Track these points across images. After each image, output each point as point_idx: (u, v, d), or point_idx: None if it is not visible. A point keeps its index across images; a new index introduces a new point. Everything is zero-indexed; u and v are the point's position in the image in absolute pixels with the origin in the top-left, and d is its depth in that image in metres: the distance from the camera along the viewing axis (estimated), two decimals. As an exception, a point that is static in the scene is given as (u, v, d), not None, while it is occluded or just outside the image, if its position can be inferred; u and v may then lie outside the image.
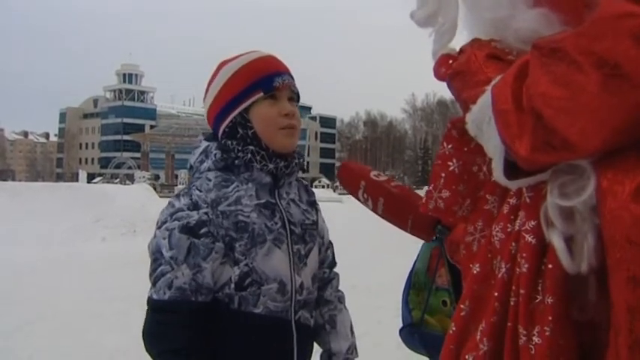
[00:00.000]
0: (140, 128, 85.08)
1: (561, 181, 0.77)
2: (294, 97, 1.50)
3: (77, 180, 41.36)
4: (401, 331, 1.73)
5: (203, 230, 1.33)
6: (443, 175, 1.00)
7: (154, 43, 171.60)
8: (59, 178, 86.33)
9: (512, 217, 0.86)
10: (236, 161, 1.42)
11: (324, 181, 75.27)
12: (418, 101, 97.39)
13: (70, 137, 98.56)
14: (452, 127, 0.99)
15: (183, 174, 42.83)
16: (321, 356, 1.60)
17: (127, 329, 4.78)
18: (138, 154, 77.19)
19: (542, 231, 0.79)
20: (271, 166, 1.42)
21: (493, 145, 0.82)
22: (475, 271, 0.90)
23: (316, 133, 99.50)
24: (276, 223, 1.42)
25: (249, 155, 1.41)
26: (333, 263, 1.69)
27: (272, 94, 1.44)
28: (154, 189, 20.73)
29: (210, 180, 1.39)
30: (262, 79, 1.44)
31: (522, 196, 0.84)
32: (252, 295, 1.37)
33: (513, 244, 0.83)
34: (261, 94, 1.43)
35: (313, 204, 1.60)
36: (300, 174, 1.57)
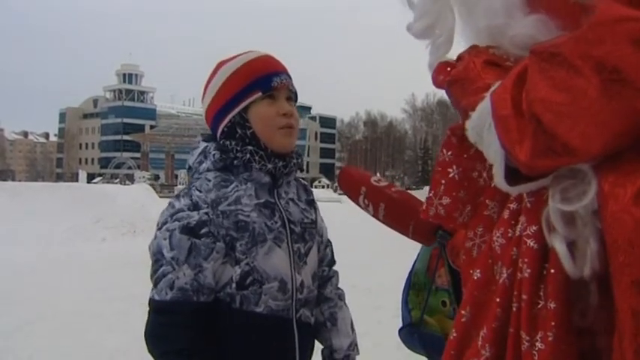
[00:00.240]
0: (140, 128, 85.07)
1: (563, 186, 0.77)
2: (292, 96, 1.51)
3: (77, 180, 41.40)
4: (400, 331, 1.73)
5: (204, 230, 1.33)
6: (443, 182, 1.01)
7: (153, 43, 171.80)
8: (59, 178, 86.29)
9: (512, 222, 0.86)
10: (235, 161, 1.42)
11: (324, 181, 75.24)
12: (418, 101, 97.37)
13: (70, 137, 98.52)
14: (451, 134, 1.00)
15: (183, 174, 42.78)
16: (322, 352, 1.61)
17: (127, 329, 4.78)
18: (138, 154, 77.28)
19: (543, 236, 0.79)
20: (270, 166, 1.43)
21: (493, 151, 0.82)
22: (476, 277, 0.90)
23: (316, 133, 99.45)
24: (276, 222, 1.42)
25: (248, 155, 1.41)
26: (333, 261, 1.69)
27: (270, 93, 1.44)
28: (154, 189, 20.69)
29: (209, 180, 1.39)
30: (260, 79, 1.44)
31: (523, 201, 0.84)
32: (253, 294, 1.37)
33: (514, 249, 0.82)
34: (260, 93, 1.43)
35: (312, 203, 1.60)
36: (299, 174, 1.58)
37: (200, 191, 1.37)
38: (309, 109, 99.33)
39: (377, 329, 4.69)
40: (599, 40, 0.67)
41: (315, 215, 1.59)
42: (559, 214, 0.76)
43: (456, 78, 0.97)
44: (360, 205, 1.62)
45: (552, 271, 0.77)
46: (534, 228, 0.80)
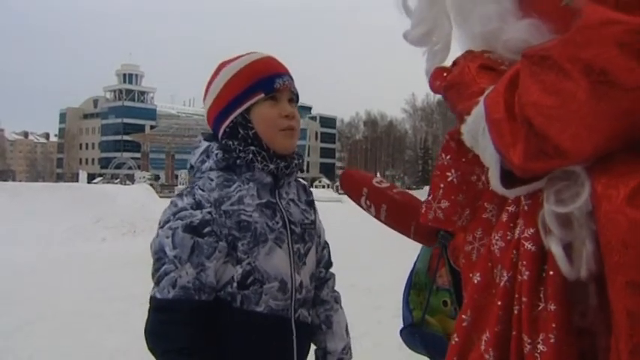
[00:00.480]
0: (140, 128, 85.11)
1: (557, 188, 0.78)
2: (294, 98, 1.52)
3: (77, 180, 41.42)
4: (401, 331, 1.73)
5: (207, 229, 1.33)
6: (442, 185, 1.02)
7: (154, 44, 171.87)
8: (59, 178, 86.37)
9: (511, 224, 0.86)
10: (237, 161, 1.42)
11: (325, 181, 75.29)
12: (418, 101, 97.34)
13: (70, 137, 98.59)
14: (450, 138, 1.00)
15: (183, 174, 42.83)
16: (316, 353, 1.62)
17: (127, 329, 4.78)
18: (138, 155, 77.27)
19: (541, 238, 0.79)
20: (272, 166, 1.43)
21: (489, 155, 0.83)
22: (476, 281, 0.90)
23: (316, 133, 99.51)
24: (277, 223, 1.43)
25: (251, 155, 1.42)
26: (329, 263, 1.70)
27: (273, 95, 1.45)
28: (154, 189, 20.70)
29: (212, 180, 1.40)
30: (263, 81, 1.45)
31: (521, 204, 0.85)
32: (254, 293, 1.38)
33: (514, 252, 0.83)
34: (262, 95, 1.44)
35: (311, 204, 1.61)
36: (299, 174, 1.58)
37: (203, 190, 1.37)
38: (309, 109, 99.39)
39: (377, 329, 4.70)
40: (586, 43, 0.67)
41: (315, 216, 1.60)
42: (554, 216, 0.77)
43: (452, 83, 0.98)
44: (362, 207, 1.62)
45: (551, 273, 0.78)
46: (532, 230, 0.81)
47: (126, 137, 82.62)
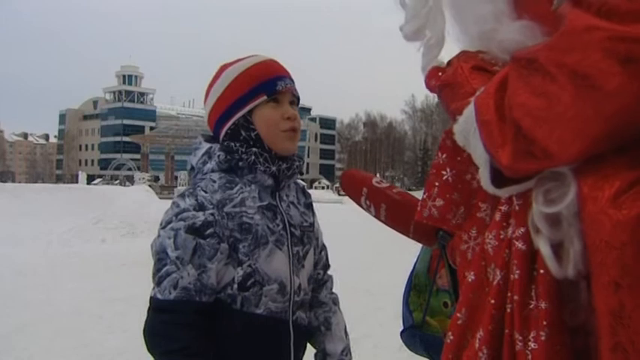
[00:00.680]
0: (140, 130, 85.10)
1: (545, 188, 0.79)
2: (295, 100, 1.53)
3: (77, 181, 41.48)
4: (402, 332, 1.73)
5: (209, 231, 1.34)
6: (437, 184, 1.04)
7: (153, 45, 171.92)
8: (59, 179, 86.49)
9: (504, 224, 0.87)
10: (240, 163, 1.43)
11: (324, 182, 75.32)
12: (418, 102, 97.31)
13: (70, 139, 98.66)
14: (446, 137, 1.03)
15: (182, 175, 42.77)
16: (315, 356, 1.62)
17: (127, 330, 4.80)
18: (137, 156, 77.29)
19: (531, 237, 0.81)
20: (274, 168, 1.44)
21: (479, 155, 0.85)
22: (470, 279, 0.92)
23: (316, 135, 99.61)
24: (278, 225, 1.44)
25: (253, 157, 1.42)
26: (327, 265, 1.70)
27: (275, 97, 1.46)
28: (154, 190, 20.70)
29: (214, 181, 1.40)
30: (265, 83, 1.46)
31: (513, 204, 0.86)
32: (254, 295, 1.38)
33: (507, 250, 0.84)
34: (265, 97, 1.45)
35: (310, 206, 1.62)
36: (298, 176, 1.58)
37: (206, 192, 1.37)
38: (308, 110, 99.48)
39: (378, 331, 4.70)
40: (570, 48, 0.70)
41: (313, 219, 1.61)
42: (542, 216, 0.79)
43: (446, 83, 1.00)
44: (362, 206, 1.62)
45: (541, 271, 0.79)
46: (522, 230, 0.82)
47: (125, 138, 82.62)
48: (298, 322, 1.48)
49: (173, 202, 1.39)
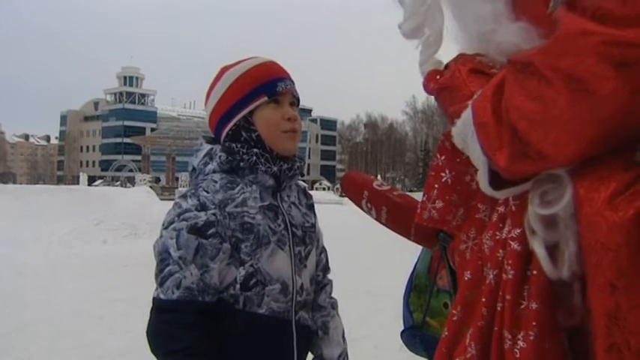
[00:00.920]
0: (141, 131, 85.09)
1: (542, 190, 0.80)
2: (295, 102, 1.54)
3: (78, 183, 41.46)
4: (402, 333, 1.73)
5: (211, 231, 1.34)
6: (436, 186, 1.05)
7: (154, 46, 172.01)
8: (60, 180, 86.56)
9: (500, 225, 0.88)
10: (241, 164, 1.44)
11: (325, 183, 75.25)
12: (419, 103, 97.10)
13: (71, 140, 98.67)
14: (445, 139, 1.04)
15: (183, 176, 42.78)
16: None
17: (129, 331, 4.80)
18: (139, 157, 77.31)
19: (527, 238, 0.82)
20: (275, 168, 1.45)
21: (477, 157, 0.87)
22: (466, 278, 0.93)
23: (317, 136, 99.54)
24: (280, 225, 1.45)
25: (254, 158, 1.43)
26: (327, 268, 1.71)
27: (275, 98, 1.47)
28: (155, 192, 20.70)
29: (216, 182, 1.41)
30: (266, 84, 1.47)
31: (509, 205, 0.88)
32: (256, 295, 1.39)
33: (501, 251, 0.85)
34: (265, 98, 1.46)
35: (311, 207, 1.63)
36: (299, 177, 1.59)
37: (207, 192, 1.38)
38: (309, 111, 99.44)
39: (378, 332, 4.70)
40: (564, 52, 0.71)
41: (315, 219, 1.62)
42: (538, 217, 0.80)
43: (443, 86, 1.02)
44: (363, 209, 1.63)
45: (535, 272, 0.80)
46: (518, 231, 0.83)
47: (126, 140, 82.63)
48: (301, 323, 1.48)
49: (175, 203, 1.40)
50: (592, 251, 0.71)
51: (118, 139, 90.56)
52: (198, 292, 1.31)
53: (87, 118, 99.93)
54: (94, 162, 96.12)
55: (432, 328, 1.62)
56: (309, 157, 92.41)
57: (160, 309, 1.32)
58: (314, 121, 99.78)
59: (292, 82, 1.53)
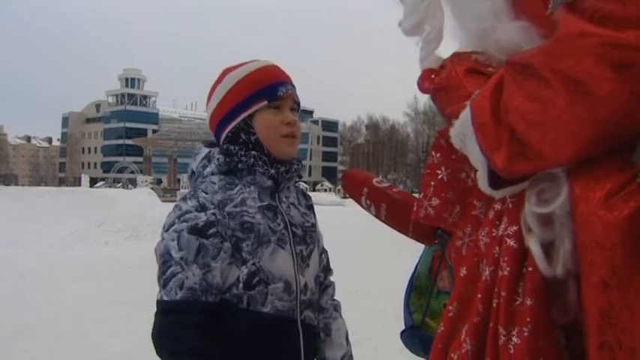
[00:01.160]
0: (142, 133, 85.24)
1: (539, 189, 0.81)
2: (296, 106, 1.55)
3: (80, 184, 41.49)
4: (402, 333, 1.74)
5: (211, 231, 1.35)
6: (432, 183, 1.06)
7: (156, 48, 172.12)
8: (62, 182, 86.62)
9: (497, 222, 0.89)
10: (239, 165, 1.45)
11: (327, 184, 75.29)
12: (420, 104, 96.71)
13: (73, 142, 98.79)
14: (440, 136, 1.05)
15: (185, 178, 42.63)
16: None
17: (131, 333, 4.80)
18: (140, 159, 77.46)
19: (523, 236, 0.82)
20: (272, 171, 1.46)
21: (476, 158, 0.87)
22: (462, 274, 0.94)
23: (318, 137, 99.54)
24: (279, 225, 1.45)
25: (252, 160, 1.44)
26: (329, 269, 1.71)
27: (275, 102, 1.48)
28: (156, 193, 20.72)
29: (214, 183, 1.42)
30: (267, 88, 1.48)
31: (506, 202, 0.88)
32: (260, 294, 1.39)
33: (497, 248, 0.86)
34: (266, 102, 1.47)
35: (311, 208, 1.64)
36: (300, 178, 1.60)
37: (206, 193, 1.39)
38: (311, 112, 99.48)
39: (379, 333, 4.70)
40: (563, 54, 0.71)
41: (315, 220, 1.62)
42: (534, 215, 0.80)
43: (440, 86, 1.02)
44: (362, 206, 1.63)
45: (530, 269, 0.81)
46: (514, 228, 0.84)
47: (128, 141, 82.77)
48: (307, 322, 1.48)
49: (175, 206, 1.41)
50: (587, 250, 0.71)
51: (119, 140, 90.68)
52: (201, 292, 1.32)
53: (89, 120, 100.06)
54: (95, 164, 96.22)
55: (432, 329, 1.62)
56: (311, 159, 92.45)
57: (164, 311, 1.32)
58: (315, 122, 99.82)
59: (293, 86, 1.53)
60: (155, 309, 1.34)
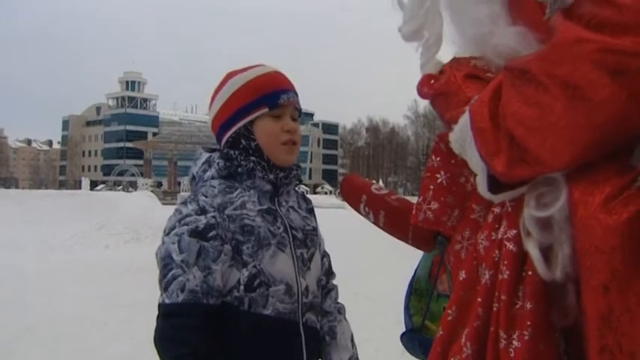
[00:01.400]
0: (143, 135, 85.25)
1: (538, 192, 0.81)
2: (297, 114, 1.55)
3: (80, 187, 41.46)
4: (402, 336, 1.74)
5: (212, 233, 1.36)
6: (431, 187, 1.06)
7: (156, 50, 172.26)
8: (62, 185, 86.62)
9: (496, 225, 0.89)
10: (239, 169, 1.46)
11: (327, 187, 75.30)
12: (420, 107, 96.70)
13: (73, 145, 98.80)
14: (440, 140, 1.05)
15: (185, 181, 42.57)
16: None
17: (132, 336, 4.80)
18: (140, 162, 77.43)
19: (522, 239, 0.83)
20: (271, 176, 1.47)
21: (475, 163, 0.87)
22: (461, 278, 0.94)
23: (319, 140, 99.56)
24: (279, 228, 1.46)
25: (252, 164, 1.45)
26: (331, 272, 1.71)
27: (276, 110, 1.48)
28: (157, 196, 20.72)
29: (214, 187, 1.43)
30: (268, 95, 1.48)
31: (505, 206, 0.88)
32: (261, 296, 1.39)
33: (497, 251, 0.86)
34: (267, 109, 1.48)
35: (311, 211, 1.64)
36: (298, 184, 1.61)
37: (206, 196, 1.40)
38: (311, 115, 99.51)
39: (379, 336, 4.69)
40: (560, 60, 0.72)
41: (316, 223, 1.62)
42: (533, 219, 0.81)
43: (439, 92, 1.02)
44: (361, 213, 1.64)
45: (530, 273, 0.81)
46: (514, 232, 0.84)
47: (128, 144, 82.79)
48: (309, 325, 1.48)
49: (176, 209, 1.42)
50: (586, 254, 0.72)
51: (120, 143, 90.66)
52: (203, 295, 1.32)
53: (89, 123, 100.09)
54: (96, 167, 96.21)
55: (432, 332, 1.62)
56: (311, 162, 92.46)
57: (166, 314, 1.33)
58: (316, 125, 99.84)
59: (296, 93, 1.54)
60: (156, 312, 1.35)
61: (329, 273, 1.70)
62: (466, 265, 0.94)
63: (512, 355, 0.79)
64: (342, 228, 11.40)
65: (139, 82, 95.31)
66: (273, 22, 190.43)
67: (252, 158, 1.46)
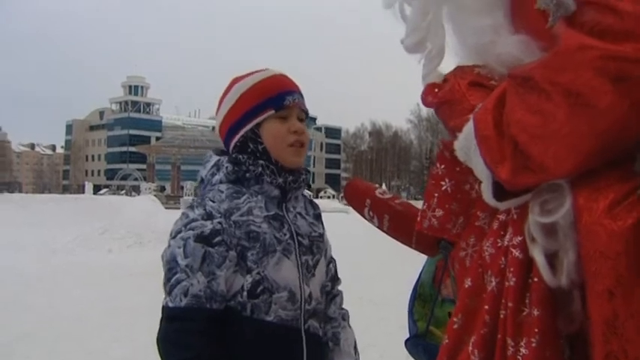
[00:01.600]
0: (146, 140, 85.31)
1: (543, 199, 0.81)
2: (303, 115, 1.56)
3: (83, 192, 41.47)
4: (406, 341, 1.74)
5: (217, 239, 1.36)
6: (436, 194, 1.06)
7: (158, 54, 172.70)
8: (65, 189, 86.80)
9: (501, 232, 0.90)
10: (247, 174, 1.46)
11: (330, 191, 75.27)
12: (423, 111, 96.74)
13: (77, 149, 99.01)
14: (444, 148, 1.05)
15: (188, 185, 42.75)
16: None
17: (133, 339, 4.80)
18: (144, 166, 77.41)
19: (527, 246, 0.83)
20: (280, 180, 1.47)
21: (480, 170, 0.88)
22: (467, 285, 0.94)
23: (321, 144, 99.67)
24: (285, 235, 1.46)
25: (260, 169, 1.46)
26: (336, 278, 1.71)
27: (282, 111, 1.49)
28: (160, 200, 20.74)
29: (222, 192, 1.43)
30: (274, 98, 1.49)
31: (511, 213, 0.89)
32: (263, 302, 1.40)
33: (503, 258, 0.86)
34: (273, 111, 1.48)
35: (319, 217, 1.64)
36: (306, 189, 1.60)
37: (213, 201, 1.41)
38: (314, 119, 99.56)
39: (383, 340, 4.69)
40: (563, 67, 0.72)
41: (323, 229, 1.62)
42: (538, 226, 0.81)
43: (443, 100, 1.03)
44: (365, 217, 1.64)
45: (536, 279, 0.81)
46: (519, 239, 0.84)
47: (132, 149, 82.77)
48: (311, 331, 1.48)
49: (183, 213, 1.42)
50: (591, 259, 0.72)
51: (123, 148, 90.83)
52: (206, 300, 1.33)
53: (92, 127, 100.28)
54: (99, 171, 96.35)
55: (436, 337, 1.62)
56: (314, 166, 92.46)
57: (169, 317, 1.33)
58: (318, 129, 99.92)
59: (301, 95, 1.54)
60: (158, 316, 1.35)
61: (334, 279, 1.70)
62: (471, 273, 0.94)
63: None
64: (345, 232, 11.39)
65: (142, 87, 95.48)
66: (274, 24, 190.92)
67: (261, 162, 1.46)
